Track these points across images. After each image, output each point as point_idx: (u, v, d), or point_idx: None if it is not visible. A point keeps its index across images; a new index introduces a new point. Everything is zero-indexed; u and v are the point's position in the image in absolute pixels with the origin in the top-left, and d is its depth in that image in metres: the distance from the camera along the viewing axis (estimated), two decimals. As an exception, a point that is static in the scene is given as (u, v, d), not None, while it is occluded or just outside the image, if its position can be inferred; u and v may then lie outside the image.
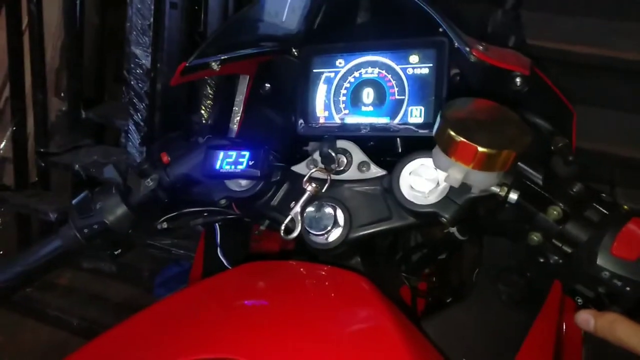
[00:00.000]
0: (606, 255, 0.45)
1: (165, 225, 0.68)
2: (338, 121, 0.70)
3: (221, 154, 0.60)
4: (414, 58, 0.66)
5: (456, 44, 0.56)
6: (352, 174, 0.60)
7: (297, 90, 0.72)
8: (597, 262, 0.45)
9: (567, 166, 0.54)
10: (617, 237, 0.45)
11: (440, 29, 0.59)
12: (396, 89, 0.67)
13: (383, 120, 0.68)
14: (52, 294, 1.83)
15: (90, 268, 1.81)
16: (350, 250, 0.61)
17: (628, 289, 0.44)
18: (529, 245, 0.50)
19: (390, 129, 0.67)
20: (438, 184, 0.52)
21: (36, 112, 1.76)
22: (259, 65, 0.78)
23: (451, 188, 0.51)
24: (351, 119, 0.69)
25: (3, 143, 1.88)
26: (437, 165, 0.50)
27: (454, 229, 0.62)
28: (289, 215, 0.58)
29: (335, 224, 0.57)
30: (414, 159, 0.54)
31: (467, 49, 0.53)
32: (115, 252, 0.66)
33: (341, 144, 0.61)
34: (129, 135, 1.38)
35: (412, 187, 0.53)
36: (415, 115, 0.66)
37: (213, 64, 0.64)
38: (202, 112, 1.36)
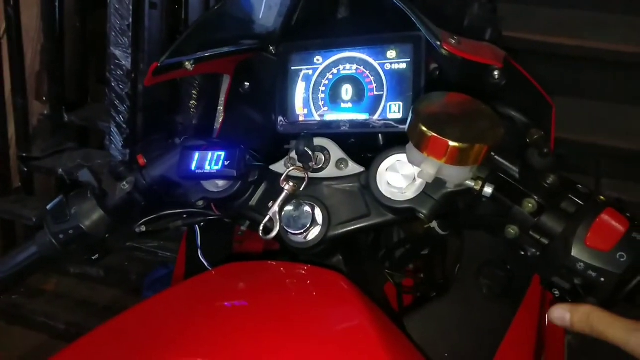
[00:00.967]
0: (581, 247, 0.45)
1: (143, 228, 0.66)
2: (317, 118, 0.69)
3: (196, 155, 0.59)
4: (391, 53, 0.66)
5: (427, 38, 0.56)
6: (330, 171, 0.59)
7: (276, 88, 0.71)
8: (572, 254, 0.45)
9: (543, 158, 0.54)
10: (591, 228, 0.45)
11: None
12: (375, 85, 0.66)
13: (362, 117, 0.67)
14: (38, 299, 1.81)
15: (77, 273, 1.79)
16: (331, 249, 0.60)
17: (603, 279, 0.44)
18: (506, 239, 0.50)
19: (369, 125, 0.66)
20: (415, 179, 0.52)
21: (17, 116, 1.74)
22: (238, 64, 0.77)
23: (428, 183, 0.51)
24: (330, 116, 0.69)
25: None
26: (411, 161, 0.49)
27: (434, 224, 0.62)
28: (267, 215, 0.57)
29: (314, 222, 0.56)
30: (391, 155, 0.54)
31: (438, 42, 0.52)
32: (93, 257, 0.65)
33: (319, 141, 0.60)
34: (112, 137, 1.37)
35: (389, 184, 0.53)
36: (394, 110, 0.65)
37: (187, 63, 0.63)
38: (188, 112, 1.35)
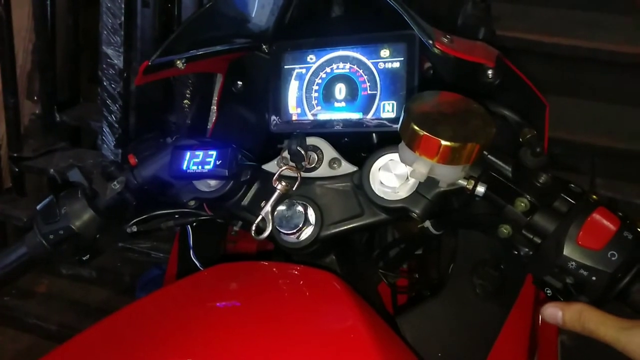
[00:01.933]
0: (572, 245, 0.45)
1: (135, 228, 0.66)
2: (311, 118, 0.69)
3: (188, 154, 0.58)
4: (384, 52, 0.65)
5: (420, 37, 0.55)
6: (323, 171, 0.59)
7: (269, 87, 0.70)
8: (564, 253, 0.44)
9: (536, 157, 0.54)
10: (583, 227, 0.45)
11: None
12: (368, 84, 0.66)
13: (356, 116, 0.67)
14: (31, 301, 1.79)
15: (70, 274, 1.78)
16: (324, 248, 0.60)
17: (594, 278, 0.44)
18: (499, 238, 0.49)
19: (363, 124, 0.66)
20: (408, 179, 0.51)
21: (8, 116, 1.72)
22: (230, 63, 0.76)
23: (421, 183, 0.50)
24: (324, 115, 0.68)
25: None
26: (403, 160, 0.49)
27: (428, 224, 0.62)
28: (259, 215, 0.57)
29: (307, 222, 0.56)
30: (384, 155, 0.53)
31: (431, 41, 0.52)
32: (84, 258, 0.65)
33: (311, 140, 0.60)
34: (104, 137, 1.35)
35: (382, 183, 0.52)
36: (388, 110, 0.65)
37: (178, 62, 0.62)
38: (181, 111, 1.34)
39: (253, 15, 0.71)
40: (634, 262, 0.44)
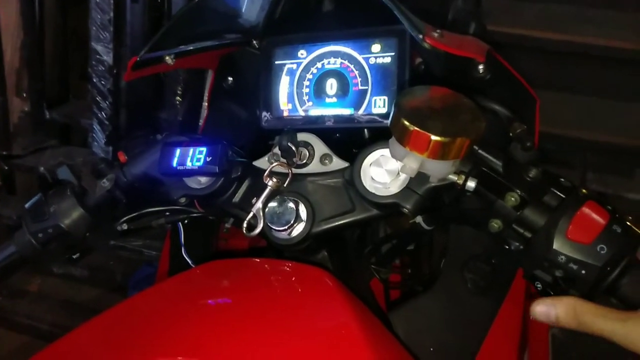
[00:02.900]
0: (562, 239, 0.45)
1: (125, 226, 0.65)
2: (302, 113, 0.69)
3: (177, 151, 0.58)
4: (375, 47, 0.65)
5: (409, 31, 0.55)
6: (314, 167, 0.59)
7: (260, 83, 0.70)
8: (554, 247, 0.45)
9: (526, 152, 0.54)
10: (572, 221, 0.45)
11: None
12: (359, 79, 0.66)
13: (347, 111, 0.66)
14: (21, 301, 1.78)
15: (61, 273, 1.76)
16: (316, 245, 0.60)
17: (584, 272, 0.44)
18: (490, 233, 0.50)
19: (354, 120, 0.66)
20: (399, 174, 0.51)
21: (-4, 113, 1.70)
22: (221, 59, 0.76)
23: (411, 178, 0.50)
24: (315, 111, 0.68)
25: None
26: (394, 155, 0.49)
27: (419, 219, 0.62)
28: (250, 211, 0.56)
29: (298, 218, 0.55)
30: (374, 150, 0.53)
31: (420, 36, 0.52)
32: (74, 257, 0.64)
33: (302, 136, 0.60)
34: (94, 134, 1.34)
35: (373, 179, 0.52)
36: (379, 105, 0.65)
37: (167, 57, 0.62)
38: (172, 108, 1.33)
39: (243, 10, 0.70)
40: (622, 256, 0.44)
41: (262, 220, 0.56)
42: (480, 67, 0.56)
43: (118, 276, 1.67)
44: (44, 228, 0.61)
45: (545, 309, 0.43)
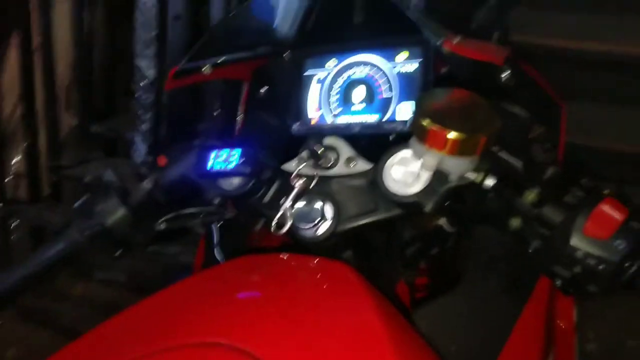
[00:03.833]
0: (579, 235, 0.45)
1: (163, 226, 0.69)
2: (330, 121, 0.72)
3: (212, 154, 0.62)
4: (401, 56, 0.68)
5: (427, 38, 0.57)
6: (340, 169, 0.61)
7: (290, 92, 0.74)
8: (571, 243, 0.45)
9: (546, 153, 0.55)
10: (590, 217, 0.45)
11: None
12: (384, 87, 0.68)
13: (373, 118, 0.69)
14: (66, 304, 1.86)
15: (102, 278, 1.85)
16: (342, 244, 0.62)
17: (601, 267, 0.44)
18: (510, 231, 0.51)
19: (380, 126, 0.68)
20: (420, 174, 0.53)
21: (48, 127, 1.81)
22: (255, 70, 0.80)
23: (433, 178, 0.52)
24: (343, 119, 0.71)
25: (17, 158, 1.93)
26: (415, 154, 0.51)
27: (443, 221, 0.63)
28: (279, 211, 0.60)
29: (324, 217, 0.58)
30: (397, 152, 0.55)
31: (439, 42, 0.54)
32: (116, 254, 0.68)
33: (329, 140, 0.62)
34: (136, 145, 1.42)
35: (395, 179, 0.54)
36: (404, 112, 0.67)
37: (204, 68, 0.66)
38: (210, 121, 1.39)
39: (275, 23, 0.75)
40: None
41: (290, 219, 0.59)
42: (504, 73, 0.58)
43: (154, 281, 1.73)
44: (89, 226, 0.66)
45: None
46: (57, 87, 1.81)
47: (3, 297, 0.67)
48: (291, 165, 0.64)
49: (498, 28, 0.71)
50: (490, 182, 0.49)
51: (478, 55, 0.55)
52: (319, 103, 0.73)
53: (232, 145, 0.62)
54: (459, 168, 0.49)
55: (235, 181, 0.63)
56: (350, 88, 0.71)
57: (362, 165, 0.60)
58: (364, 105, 0.70)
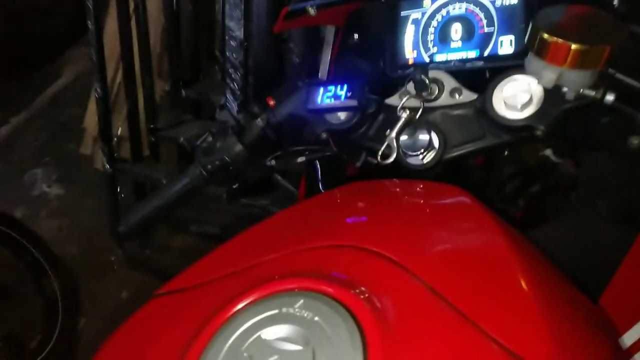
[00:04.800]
0: None
1: (273, 162, 0.76)
2: (427, 60, 0.73)
3: (321, 89, 0.66)
4: None
5: None
6: (444, 100, 0.63)
7: (385, 34, 0.75)
8: None
9: None
10: None
11: None
12: (485, 21, 0.68)
13: (472, 54, 0.69)
14: (166, 254, 2.06)
15: (198, 232, 2.00)
16: (444, 177, 0.64)
17: None
18: (629, 151, 0.50)
19: (480, 61, 0.69)
20: (531, 98, 0.54)
21: (145, 93, 1.96)
22: (349, 15, 0.82)
23: (545, 100, 0.53)
24: (440, 57, 0.72)
25: (121, 123, 2.12)
26: (531, 71, 0.52)
27: (549, 152, 0.64)
28: (385, 142, 0.63)
29: (430, 145, 0.61)
30: (507, 76, 0.56)
31: None
32: (234, 186, 0.76)
33: (432, 73, 0.64)
34: (227, 103, 1.49)
35: (505, 103, 0.55)
36: (506, 45, 0.67)
37: (310, 9, 0.70)
38: (294, 77, 1.43)
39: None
40: None
41: (395, 150, 0.62)
42: (615, 1, 0.56)
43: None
44: (211, 160, 0.73)
45: None
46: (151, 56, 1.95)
47: (141, 224, 0.77)
48: (394, 100, 0.67)
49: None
50: (610, 97, 0.49)
51: None
52: (415, 43, 0.74)
53: (339, 80, 0.66)
54: (579, 82, 0.49)
55: (342, 116, 0.67)
56: (447, 25, 0.71)
57: (467, 95, 0.62)
58: (462, 41, 0.70)
